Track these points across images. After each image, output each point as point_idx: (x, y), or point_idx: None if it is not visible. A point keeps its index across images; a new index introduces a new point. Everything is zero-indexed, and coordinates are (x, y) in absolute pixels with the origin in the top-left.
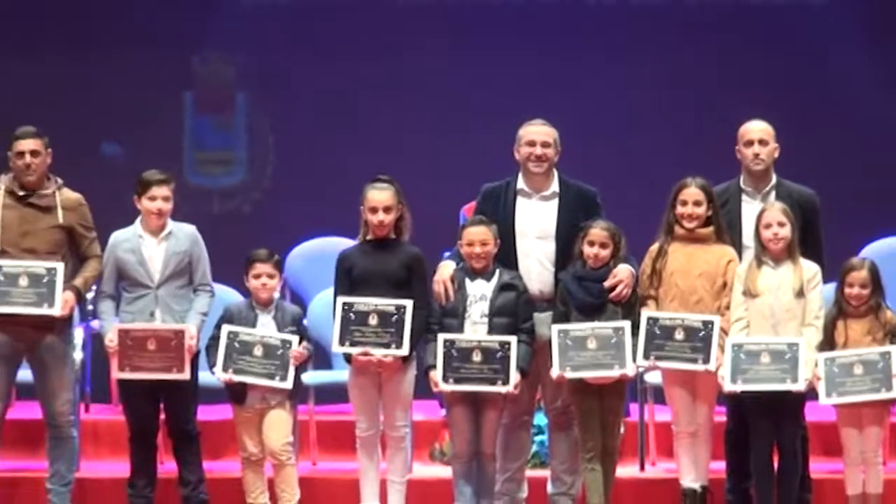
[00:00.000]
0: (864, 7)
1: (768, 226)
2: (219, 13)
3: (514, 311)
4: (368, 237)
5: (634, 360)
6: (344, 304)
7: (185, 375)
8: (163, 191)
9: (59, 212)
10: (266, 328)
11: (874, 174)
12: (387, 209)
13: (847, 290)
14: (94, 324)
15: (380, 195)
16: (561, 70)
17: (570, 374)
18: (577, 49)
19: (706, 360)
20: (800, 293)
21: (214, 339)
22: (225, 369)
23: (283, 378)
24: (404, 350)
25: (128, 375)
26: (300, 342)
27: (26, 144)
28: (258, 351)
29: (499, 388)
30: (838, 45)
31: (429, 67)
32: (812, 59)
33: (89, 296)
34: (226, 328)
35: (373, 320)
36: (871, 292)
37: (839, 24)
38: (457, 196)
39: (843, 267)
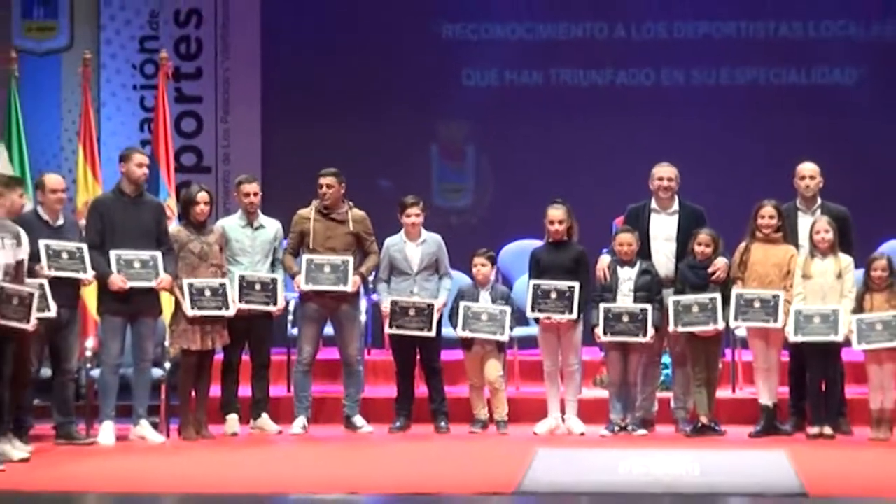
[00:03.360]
0: (879, 85)
1: (818, 232)
2: (456, 91)
3: (649, 288)
4: (549, 240)
5: (725, 320)
6: (534, 285)
7: (432, 333)
8: (415, 209)
9: (350, 223)
10: (485, 301)
11: (889, 198)
12: (560, 221)
13: (872, 273)
14: (374, 297)
15: (555, 212)
16: (682, 129)
17: (680, 329)
18: (693, 115)
19: (775, 320)
20: (839, 276)
21: (453, 310)
22: (463, 329)
23: (502, 334)
24: (574, 316)
25: (394, 331)
26: (511, 313)
27: (325, 180)
28: (484, 317)
29: (639, 339)
30: (861, 108)
31: (593, 127)
32: (846, 118)
33: (370, 279)
34: (462, 304)
35: (553, 295)
36: (889, 275)
37: (864, 96)
38: (611, 212)
39: (868, 259)
